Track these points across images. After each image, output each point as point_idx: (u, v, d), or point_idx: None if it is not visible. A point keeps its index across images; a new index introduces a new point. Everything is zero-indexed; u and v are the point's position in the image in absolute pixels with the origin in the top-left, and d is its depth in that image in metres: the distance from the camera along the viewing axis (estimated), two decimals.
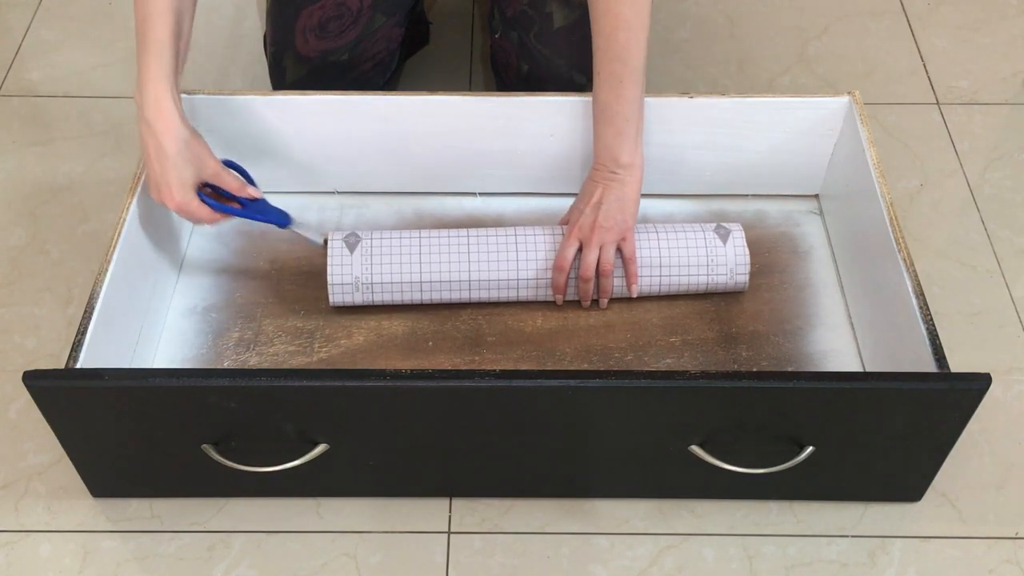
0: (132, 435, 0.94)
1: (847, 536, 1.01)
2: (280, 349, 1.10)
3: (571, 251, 1.10)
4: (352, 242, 1.11)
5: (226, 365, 1.09)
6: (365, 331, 1.12)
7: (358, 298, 1.11)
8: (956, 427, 0.93)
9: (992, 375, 0.89)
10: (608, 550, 1.00)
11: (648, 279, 1.12)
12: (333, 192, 1.25)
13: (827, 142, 1.20)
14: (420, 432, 0.95)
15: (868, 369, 1.08)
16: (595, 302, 1.14)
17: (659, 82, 1.42)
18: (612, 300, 1.14)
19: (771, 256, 1.19)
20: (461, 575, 0.98)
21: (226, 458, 0.94)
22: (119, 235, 1.02)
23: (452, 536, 1.00)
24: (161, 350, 1.10)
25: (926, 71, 1.46)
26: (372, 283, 1.10)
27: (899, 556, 0.99)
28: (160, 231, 1.12)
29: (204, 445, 0.94)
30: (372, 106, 1.16)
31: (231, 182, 1.06)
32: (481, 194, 1.25)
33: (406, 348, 1.11)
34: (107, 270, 0.99)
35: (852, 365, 1.10)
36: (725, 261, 1.12)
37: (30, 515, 1.01)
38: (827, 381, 0.90)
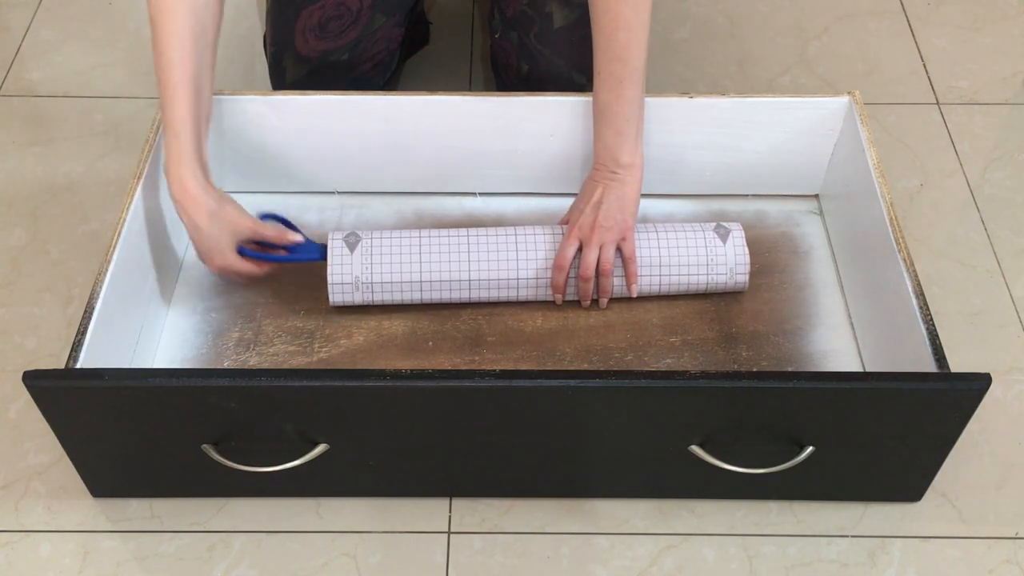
0: (132, 435, 0.94)
1: (847, 536, 1.01)
2: (280, 349, 1.10)
3: (571, 250, 1.10)
4: (352, 242, 1.11)
5: (226, 365, 1.09)
6: (365, 331, 1.12)
7: (358, 297, 1.11)
8: (956, 427, 0.93)
9: (992, 375, 0.89)
10: (608, 550, 1.00)
11: (648, 279, 1.12)
12: (333, 192, 1.25)
13: (827, 142, 1.20)
14: (420, 432, 0.95)
15: (868, 369, 1.08)
16: (595, 302, 1.14)
17: (659, 82, 1.42)
18: (612, 300, 1.14)
19: (771, 256, 1.19)
20: (461, 575, 0.98)
21: (226, 458, 0.94)
22: (119, 235, 1.02)
23: (452, 536, 1.00)
24: (161, 350, 1.10)
25: (926, 71, 1.46)
26: (372, 283, 1.10)
27: (899, 556, 0.99)
28: (160, 231, 1.12)
29: (204, 445, 0.94)
30: (372, 106, 1.16)
31: (270, 234, 1.08)
32: (481, 194, 1.25)
33: (406, 348, 1.11)
34: (107, 270, 0.99)
35: (852, 365, 1.10)
36: (725, 261, 1.12)
37: (30, 515, 1.01)
38: (827, 381, 0.90)
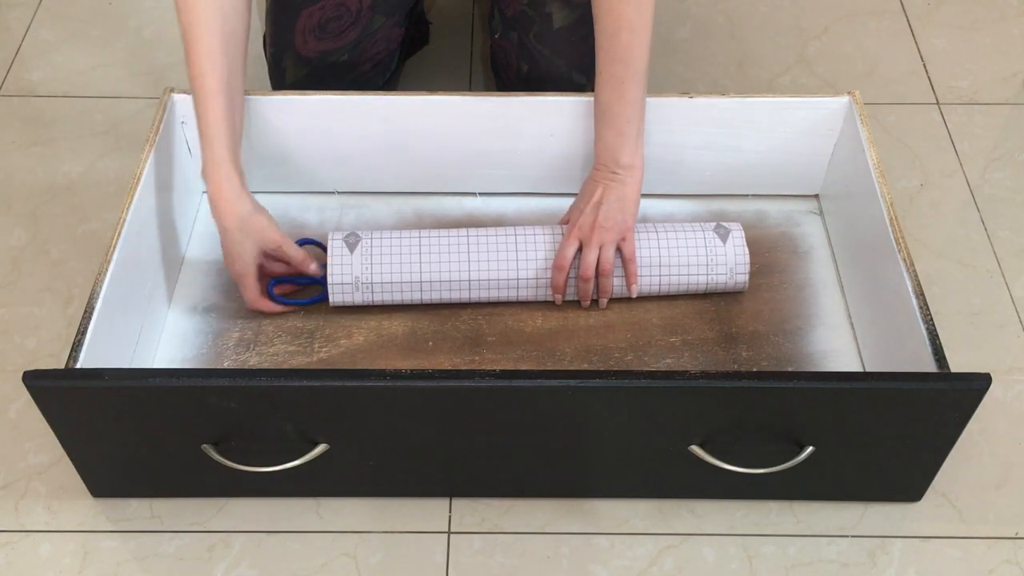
0: (132, 435, 0.94)
1: (847, 536, 1.01)
2: (280, 349, 1.10)
3: (571, 251, 1.10)
4: (352, 242, 1.11)
5: (226, 365, 1.09)
6: (365, 331, 1.12)
7: (358, 298, 1.11)
8: (956, 427, 0.93)
9: (992, 375, 0.89)
10: (608, 550, 1.00)
11: (648, 279, 1.12)
12: (333, 192, 1.25)
13: (827, 142, 1.20)
14: (420, 432, 0.95)
15: (868, 369, 1.08)
16: (595, 302, 1.14)
17: (659, 82, 1.42)
18: (612, 300, 1.14)
19: (771, 256, 1.19)
20: (461, 575, 0.98)
21: (226, 458, 0.94)
22: (119, 235, 1.02)
23: (452, 536, 1.00)
24: (161, 350, 1.10)
25: (926, 71, 1.46)
26: (372, 283, 1.10)
27: (899, 556, 0.99)
28: (160, 231, 1.12)
29: (204, 445, 0.94)
30: (372, 106, 1.16)
31: (293, 254, 1.09)
32: (481, 194, 1.25)
33: (406, 348, 1.11)
34: (107, 270, 0.99)
35: (852, 365, 1.10)
36: (725, 261, 1.12)
37: (30, 515, 1.01)
38: (827, 381, 0.90)
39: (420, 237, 1.12)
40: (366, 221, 1.22)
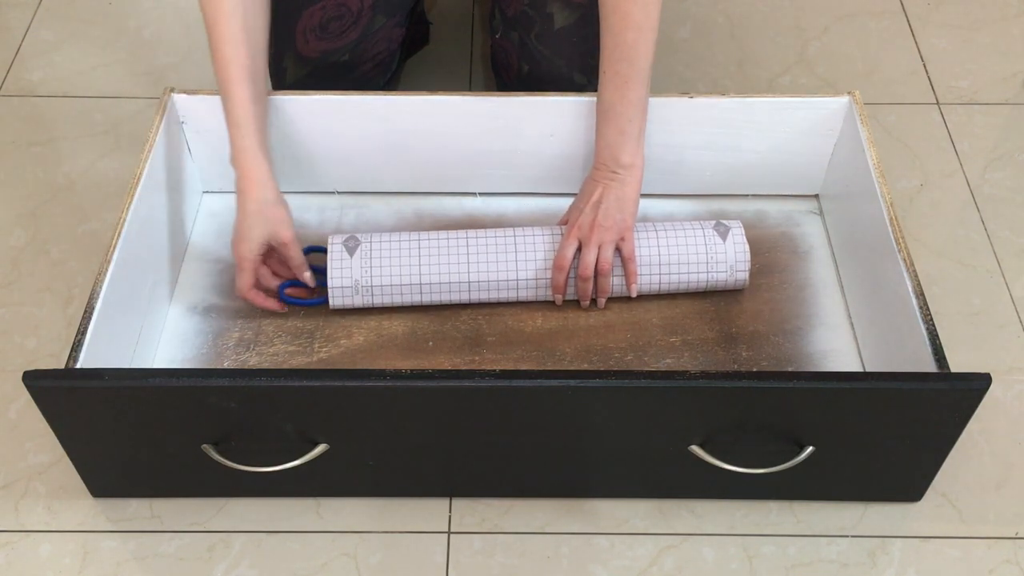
0: (132, 435, 0.94)
1: (847, 536, 1.01)
2: (280, 349, 1.10)
3: (570, 250, 1.10)
4: (352, 246, 1.11)
5: (226, 365, 1.09)
6: (365, 331, 1.12)
7: (358, 301, 1.11)
8: (956, 427, 0.93)
9: (992, 375, 0.89)
10: (608, 550, 1.00)
11: (648, 277, 1.12)
12: (333, 192, 1.25)
13: (827, 142, 1.20)
14: (420, 432, 0.95)
15: (868, 369, 1.08)
16: (594, 302, 1.14)
17: (659, 82, 1.41)
18: (612, 300, 1.14)
19: (771, 256, 1.19)
20: (461, 575, 0.98)
21: (226, 458, 0.94)
22: (119, 235, 1.02)
23: (452, 536, 1.00)
24: (161, 350, 1.10)
25: (926, 71, 1.46)
26: (372, 286, 1.10)
27: (899, 556, 0.99)
28: (160, 231, 1.12)
29: (204, 445, 0.94)
30: (372, 106, 1.16)
31: (294, 256, 1.09)
32: (481, 194, 1.25)
33: (406, 348, 1.11)
34: (107, 270, 0.99)
35: (852, 365, 1.10)
36: (725, 258, 1.12)
37: (30, 515, 1.01)
38: (827, 381, 0.90)
39: (419, 240, 1.12)
40: (366, 221, 1.22)
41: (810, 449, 0.94)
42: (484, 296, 1.12)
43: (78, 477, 1.00)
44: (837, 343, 1.12)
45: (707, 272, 1.12)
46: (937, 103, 1.41)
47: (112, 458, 0.97)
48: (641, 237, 1.12)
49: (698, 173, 1.22)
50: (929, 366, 0.94)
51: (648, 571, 0.98)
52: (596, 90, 1.10)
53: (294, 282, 1.12)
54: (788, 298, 1.16)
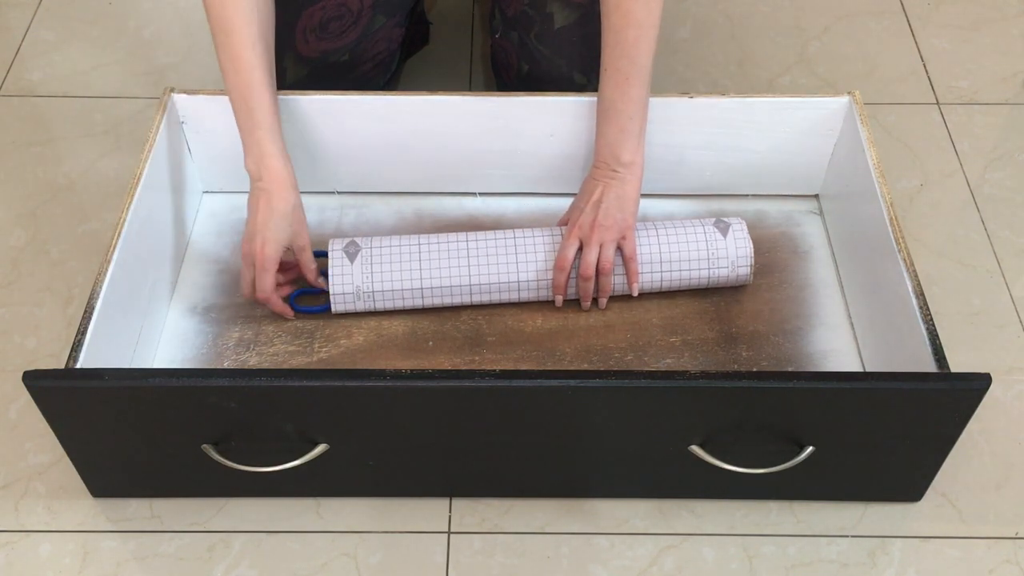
0: (132, 435, 0.94)
1: (847, 536, 1.01)
2: (280, 349, 1.10)
3: (571, 250, 1.10)
4: (352, 251, 1.11)
5: (226, 365, 1.09)
6: (365, 331, 1.12)
7: (360, 306, 1.11)
8: (956, 427, 0.93)
9: (992, 375, 0.89)
10: (608, 550, 1.00)
11: (649, 275, 1.12)
12: (333, 192, 1.25)
13: (827, 142, 1.20)
14: (420, 432, 0.95)
15: (868, 369, 1.08)
16: (595, 301, 1.14)
17: (659, 82, 1.42)
18: (612, 300, 1.14)
19: (771, 256, 1.19)
20: (461, 575, 0.98)
21: (226, 458, 0.94)
22: (119, 235, 1.02)
23: (452, 536, 1.00)
24: (161, 350, 1.10)
25: (926, 71, 1.46)
26: (373, 291, 1.10)
27: (899, 556, 0.99)
28: (160, 231, 1.12)
29: (204, 445, 0.94)
30: (372, 106, 1.16)
31: (307, 261, 1.10)
32: (481, 194, 1.25)
33: (406, 348, 1.11)
34: (107, 270, 0.99)
35: (852, 365, 1.10)
36: (726, 255, 1.12)
37: (30, 515, 1.01)
38: (827, 381, 0.90)
39: (419, 244, 1.12)
40: (366, 221, 1.22)
41: (810, 449, 0.94)
42: (485, 298, 1.12)
43: (78, 477, 1.00)
44: (837, 343, 1.12)
45: (708, 268, 1.12)
46: (937, 103, 1.41)
47: (112, 458, 0.97)
48: (642, 235, 1.12)
49: (698, 173, 1.22)
50: (929, 366, 0.94)
51: (648, 571, 0.98)
52: (596, 90, 1.10)
53: (304, 290, 1.13)
54: (788, 298, 1.16)
